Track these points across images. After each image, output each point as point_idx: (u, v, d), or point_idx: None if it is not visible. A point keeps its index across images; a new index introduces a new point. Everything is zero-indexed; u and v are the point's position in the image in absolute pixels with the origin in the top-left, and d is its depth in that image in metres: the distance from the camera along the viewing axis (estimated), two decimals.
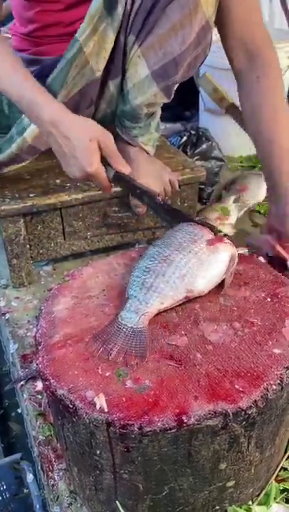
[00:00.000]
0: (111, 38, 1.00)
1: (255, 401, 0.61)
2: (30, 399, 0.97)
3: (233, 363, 0.66)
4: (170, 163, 1.32)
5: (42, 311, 0.78)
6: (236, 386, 0.62)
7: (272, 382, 0.63)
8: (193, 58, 1.04)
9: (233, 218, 1.50)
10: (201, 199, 1.56)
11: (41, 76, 1.14)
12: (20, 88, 0.94)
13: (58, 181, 1.23)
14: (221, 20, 1.03)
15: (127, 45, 1.03)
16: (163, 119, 2.07)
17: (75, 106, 1.11)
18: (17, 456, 0.99)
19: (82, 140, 0.89)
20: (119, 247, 1.33)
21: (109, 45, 1.02)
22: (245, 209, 1.58)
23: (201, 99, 1.99)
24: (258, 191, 1.62)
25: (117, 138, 1.21)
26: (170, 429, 0.58)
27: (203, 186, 1.56)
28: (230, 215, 1.50)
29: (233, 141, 1.94)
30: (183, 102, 2.15)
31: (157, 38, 0.98)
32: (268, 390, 0.63)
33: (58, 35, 1.11)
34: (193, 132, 1.66)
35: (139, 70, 1.03)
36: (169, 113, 2.14)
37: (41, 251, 1.25)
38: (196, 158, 1.62)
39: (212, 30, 1.02)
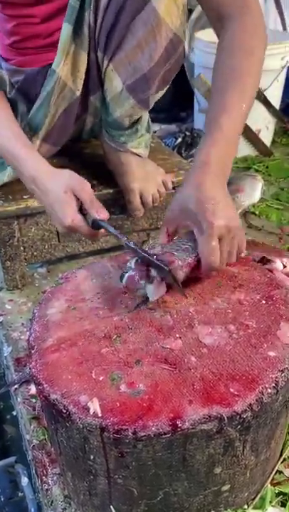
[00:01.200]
0: (83, 57, 1.03)
1: (250, 405, 0.61)
2: (24, 402, 0.96)
3: (228, 366, 0.66)
4: (164, 165, 1.31)
5: (35, 315, 0.77)
6: (231, 390, 0.62)
7: (267, 386, 0.63)
8: (167, 71, 1.03)
9: None
10: None
11: (24, 86, 1.15)
12: (3, 140, 0.97)
13: None
14: None
15: (98, 60, 1.04)
16: (158, 120, 2.08)
17: (62, 126, 1.13)
18: (12, 459, 0.99)
19: (57, 193, 0.89)
20: (114, 248, 1.32)
21: (83, 64, 1.04)
22: (240, 210, 1.57)
23: (196, 101, 1.99)
24: (253, 192, 1.61)
25: (106, 146, 1.21)
26: (164, 433, 0.58)
27: None
28: None
29: None
30: (178, 104, 2.16)
31: (125, 54, 0.99)
32: (262, 394, 0.62)
33: (38, 46, 1.12)
34: (188, 133, 1.66)
35: (115, 83, 1.04)
36: (165, 114, 2.15)
37: (35, 253, 1.25)
38: (190, 159, 1.63)
39: (183, 42, 1.01)
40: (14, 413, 1.10)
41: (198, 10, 2.09)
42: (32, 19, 1.08)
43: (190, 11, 1.85)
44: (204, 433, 0.59)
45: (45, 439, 0.89)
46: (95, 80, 1.08)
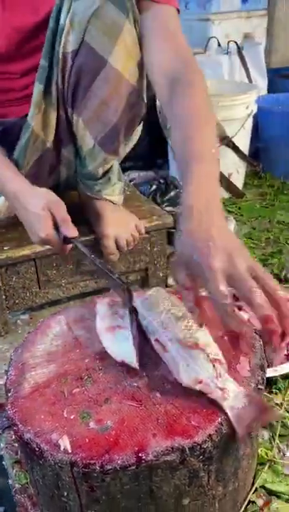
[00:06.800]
0: (52, 114, 1.12)
1: (210, 435, 0.65)
2: (6, 447, 0.99)
3: (190, 400, 0.70)
4: (139, 211, 1.40)
5: (12, 360, 0.82)
6: (192, 422, 0.66)
7: (226, 417, 0.67)
8: (130, 120, 1.12)
9: None
10: (170, 242, 1.64)
11: (4, 136, 1.23)
12: None
13: None
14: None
15: (68, 116, 1.13)
16: (137, 167, 2.19)
17: (35, 175, 1.21)
18: (0, 509, 0.99)
19: (36, 209, 1.00)
20: (93, 293, 1.38)
21: (53, 119, 1.13)
22: None
23: (170, 149, 2.11)
24: None
25: (82, 195, 1.30)
26: (130, 465, 0.62)
27: (173, 230, 1.64)
28: None
29: None
30: (154, 151, 2.28)
31: (92, 112, 1.08)
32: (222, 425, 0.67)
33: (14, 99, 1.23)
34: (162, 181, 1.76)
35: (86, 140, 1.14)
36: (142, 162, 2.26)
37: (17, 301, 1.30)
38: (165, 204, 1.72)
39: (143, 93, 1.08)
40: (4, 463, 1.12)
41: None
42: (12, 75, 1.18)
43: None
44: (168, 464, 0.64)
45: (27, 483, 0.91)
46: (65, 134, 1.17)
